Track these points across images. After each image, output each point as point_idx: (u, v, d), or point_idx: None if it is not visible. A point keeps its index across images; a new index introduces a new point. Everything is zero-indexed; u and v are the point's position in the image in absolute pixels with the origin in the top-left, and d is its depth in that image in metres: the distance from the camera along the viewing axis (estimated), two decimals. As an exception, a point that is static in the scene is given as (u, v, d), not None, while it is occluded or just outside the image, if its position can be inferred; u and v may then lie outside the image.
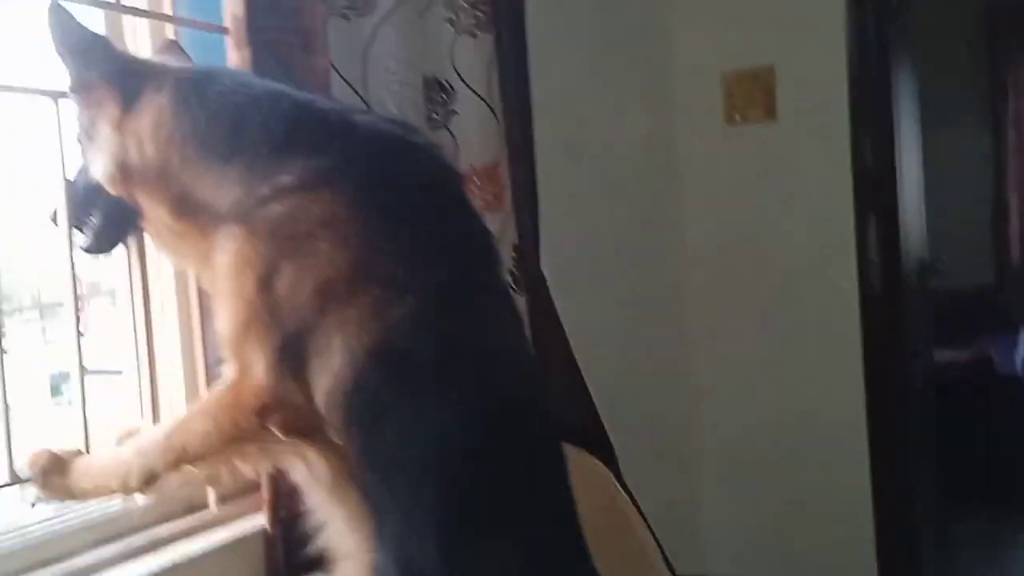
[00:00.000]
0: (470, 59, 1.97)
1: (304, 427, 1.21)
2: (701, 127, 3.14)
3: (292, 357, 1.19)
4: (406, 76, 1.84)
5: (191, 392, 1.63)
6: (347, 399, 1.18)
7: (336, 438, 1.21)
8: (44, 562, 1.41)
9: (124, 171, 1.29)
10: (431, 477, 1.19)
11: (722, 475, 3.18)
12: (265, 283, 1.19)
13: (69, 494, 1.31)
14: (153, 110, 1.27)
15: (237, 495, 1.61)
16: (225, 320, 1.22)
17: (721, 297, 3.16)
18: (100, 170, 1.30)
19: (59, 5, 1.27)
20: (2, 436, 1.33)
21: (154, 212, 1.30)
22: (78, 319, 1.42)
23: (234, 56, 1.53)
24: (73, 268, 1.40)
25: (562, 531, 1.28)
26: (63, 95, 1.36)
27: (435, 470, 1.19)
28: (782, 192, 3.08)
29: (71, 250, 1.40)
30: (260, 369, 1.19)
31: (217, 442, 1.21)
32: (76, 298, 1.42)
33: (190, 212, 1.27)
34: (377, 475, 1.21)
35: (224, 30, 1.62)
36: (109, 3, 1.51)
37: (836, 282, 2.99)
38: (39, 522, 1.46)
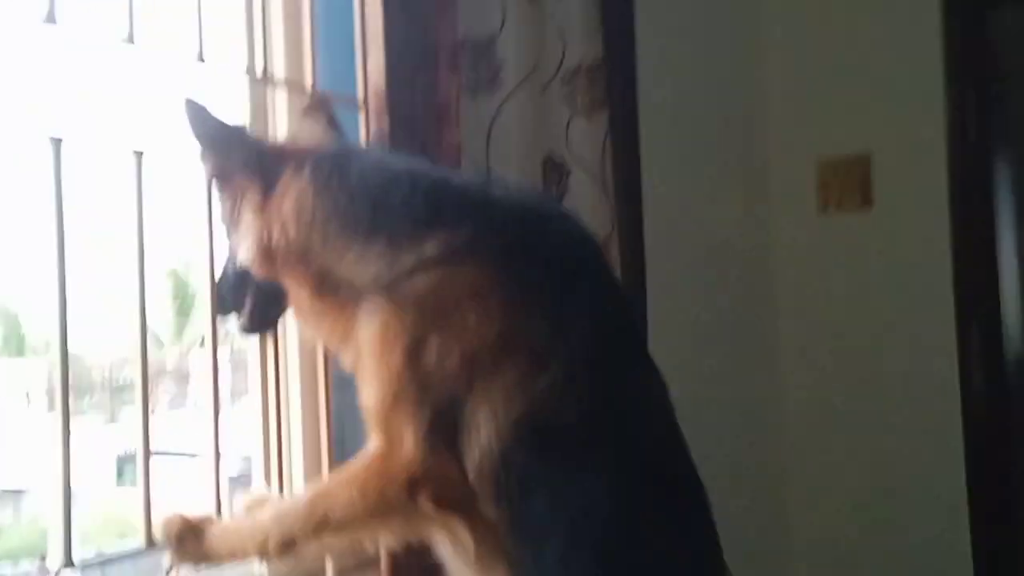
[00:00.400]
0: (584, 138, 1.99)
1: (454, 501, 1.19)
2: (794, 214, 3.12)
3: (441, 429, 1.18)
4: (527, 153, 1.86)
5: (311, 465, 1.62)
6: (495, 471, 1.16)
7: (487, 511, 1.18)
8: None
9: (268, 253, 1.31)
10: (583, 552, 1.16)
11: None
12: (413, 355, 1.19)
13: (204, 558, 1.30)
14: (294, 192, 1.30)
15: (355, 569, 1.58)
16: (372, 393, 1.22)
17: (817, 393, 3.09)
18: (245, 254, 1.32)
19: (193, 101, 1.31)
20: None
21: (296, 291, 1.31)
22: (146, 401, 1.39)
23: (372, 128, 1.56)
24: (144, 350, 1.39)
25: None
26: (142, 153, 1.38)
27: (587, 544, 1.16)
28: (878, 282, 3.02)
29: (144, 332, 1.39)
30: (410, 441, 1.18)
31: (362, 512, 1.19)
32: (145, 380, 1.40)
33: (330, 290, 1.28)
34: (527, 550, 1.18)
35: (359, 104, 1.65)
36: (257, 75, 1.54)
37: (936, 381, 2.90)
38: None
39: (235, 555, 1.28)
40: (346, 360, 1.31)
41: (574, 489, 1.17)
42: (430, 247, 1.21)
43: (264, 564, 1.32)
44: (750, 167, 3.08)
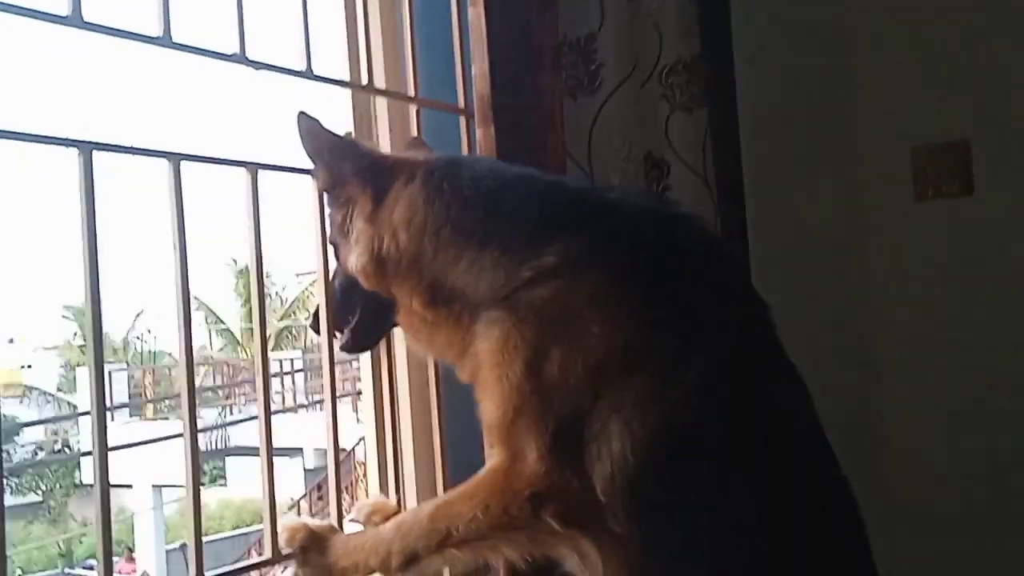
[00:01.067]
0: (685, 134, 1.96)
1: (581, 517, 1.16)
2: (891, 202, 3.03)
3: (566, 443, 1.15)
4: (629, 153, 1.84)
5: (424, 471, 1.62)
6: (631, 486, 1.13)
7: (617, 527, 1.15)
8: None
9: (379, 263, 1.30)
10: (733, 570, 1.13)
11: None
12: (534, 368, 1.17)
13: (327, 572, 1.30)
14: (405, 201, 1.29)
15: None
16: (492, 407, 1.20)
17: (919, 387, 3.01)
18: (355, 263, 1.33)
19: (306, 114, 1.32)
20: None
21: (407, 303, 1.30)
22: (267, 406, 1.38)
23: (477, 135, 1.55)
24: (265, 352, 1.37)
25: None
26: (263, 167, 1.39)
27: (739, 563, 1.13)
28: (978, 270, 2.93)
29: (264, 335, 1.40)
30: (533, 456, 1.16)
31: (485, 528, 1.18)
32: (267, 383, 1.38)
33: (444, 301, 1.26)
34: (668, 567, 1.15)
35: (461, 111, 1.65)
36: (361, 85, 1.55)
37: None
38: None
39: (358, 569, 1.27)
40: (463, 374, 1.30)
41: (720, 506, 1.14)
42: (549, 257, 1.20)
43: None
44: (847, 157, 3.01)
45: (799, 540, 1.15)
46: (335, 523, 1.38)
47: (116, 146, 1.21)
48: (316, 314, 1.44)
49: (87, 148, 1.16)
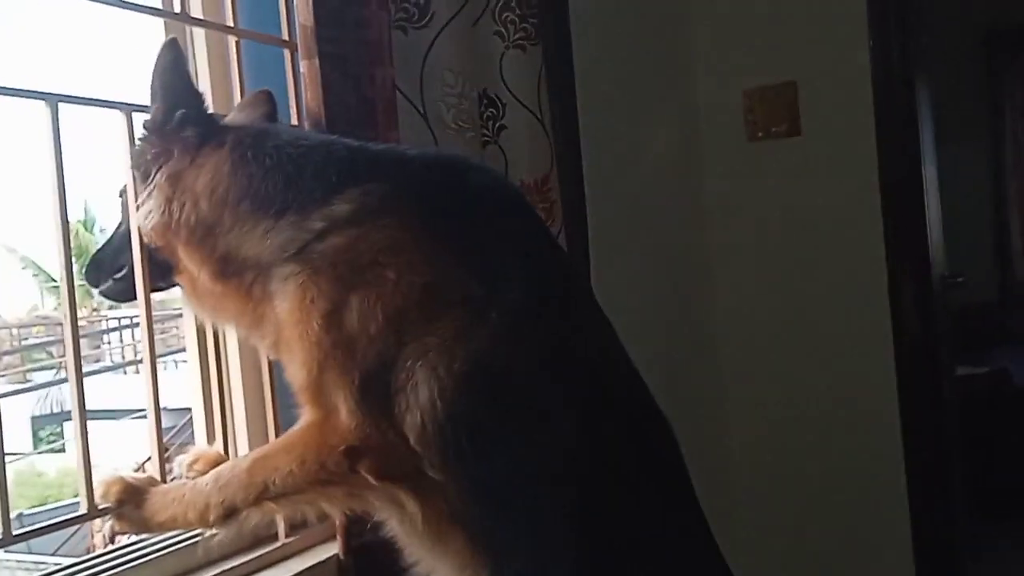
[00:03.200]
0: (520, 72, 1.94)
1: (397, 469, 1.13)
2: (725, 143, 3.12)
3: (375, 395, 1.12)
4: (463, 90, 1.81)
5: (254, 418, 1.56)
6: (443, 432, 1.11)
7: (435, 475, 1.13)
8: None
9: (171, 227, 1.23)
10: (556, 506, 1.12)
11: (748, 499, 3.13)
12: (334, 320, 1.13)
13: (145, 526, 1.25)
14: (211, 168, 1.23)
15: (306, 525, 1.54)
16: (297, 366, 1.16)
17: (751, 313, 3.13)
18: (144, 219, 1.25)
19: (175, 45, 1.23)
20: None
21: (194, 271, 1.24)
22: (78, 362, 1.28)
23: (302, 68, 1.49)
24: (74, 307, 1.27)
25: (700, 548, 1.21)
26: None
27: (560, 498, 1.12)
28: (808, 208, 3.06)
29: (72, 289, 1.29)
30: (343, 410, 1.13)
31: (302, 482, 1.14)
32: (76, 340, 1.28)
33: (234, 272, 1.21)
34: (489, 511, 1.14)
35: (285, 43, 1.58)
36: (174, 13, 1.46)
37: (867, 300, 2.96)
38: (112, 555, 1.39)
39: (176, 523, 1.22)
40: (262, 344, 1.26)
41: (535, 442, 1.13)
42: (342, 206, 1.16)
43: (207, 533, 1.25)
44: (681, 98, 3.07)
45: (618, 483, 1.16)
46: (156, 477, 1.32)
47: None
48: (93, 263, 1.36)
49: None
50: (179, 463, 1.42)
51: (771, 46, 3.07)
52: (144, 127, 1.29)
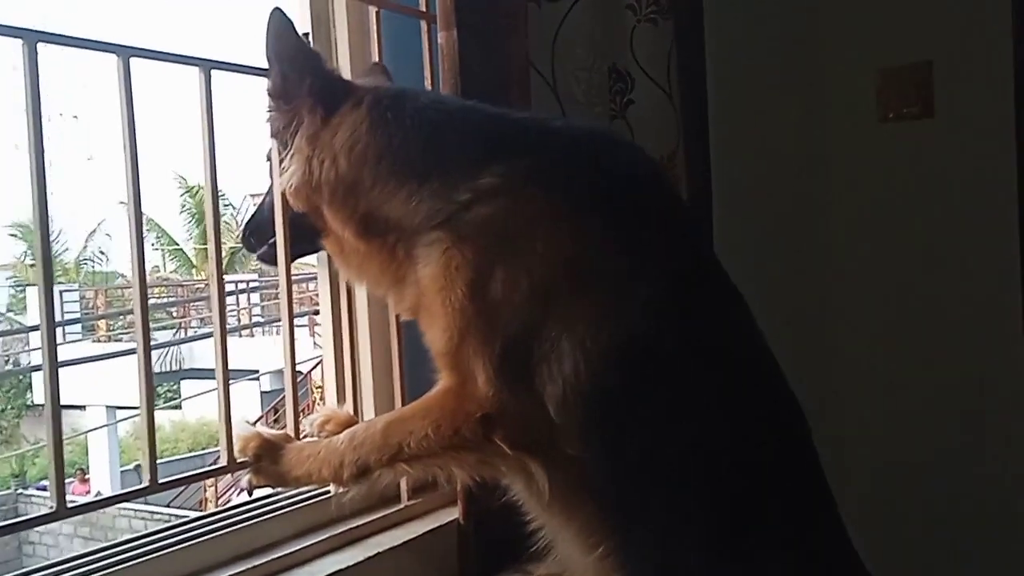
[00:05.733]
0: (650, 47, 1.92)
1: (531, 439, 1.14)
2: (854, 123, 3.03)
3: (516, 364, 1.13)
4: (593, 63, 1.80)
5: (381, 385, 1.60)
6: (585, 404, 1.11)
7: (569, 449, 1.14)
8: (247, 552, 1.39)
9: (313, 187, 1.26)
10: (695, 484, 1.12)
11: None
12: (478, 288, 1.14)
13: (280, 481, 1.29)
14: (349, 125, 1.25)
15: (430, 487, 1.58)
16: (438, 332, 1.17)
17: (874, 300, 3.05)
18: (288, 181, 1.28)
19: (281, 12, 1.26)
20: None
21: (339, 231, 1.26)
22: (223, 322, 1.38)
23: (440, 39, 1.50)
24: (220, 270, 1.37)
25: (834, 534, 1.20)
26: (217, 65, 1.34)
27: (701, 476, 1.12)
28: (939, 193, 2.95)
29: (219, 255, 1.36)
30: (482, 378, 1.14)
31: (436, 446, 1.16)
32: (222, 300, 1.38)
33: (378, 231, 1.23)
34: (623, 484, 1.14)
35: (423, 14, 1.60)
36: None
37: (998, 291, 2.84)
38: (241, 509, 1.45)
39: (311, 479, 1.26)
40: (400, 305, 1.28)
41: (684, 418, 1.13)
42: (489, 178, 1.16)
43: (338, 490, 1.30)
44: (812, 78, 2.99)
45: (760, 469, 1.15)
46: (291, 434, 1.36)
47: (60, 36, 1.15)
48: (248, 228, 1.40)
49: (32, 38, 1.10)
50: (310, 422, 1.46)
51: (906, 24, 2.96)
52: (268, 94, 1.31)
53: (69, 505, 1.17)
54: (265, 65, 1.29)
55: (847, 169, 3.02)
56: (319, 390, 13.57)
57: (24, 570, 1.23)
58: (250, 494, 1.37)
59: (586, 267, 1.15)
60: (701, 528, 1.12)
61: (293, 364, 1.40)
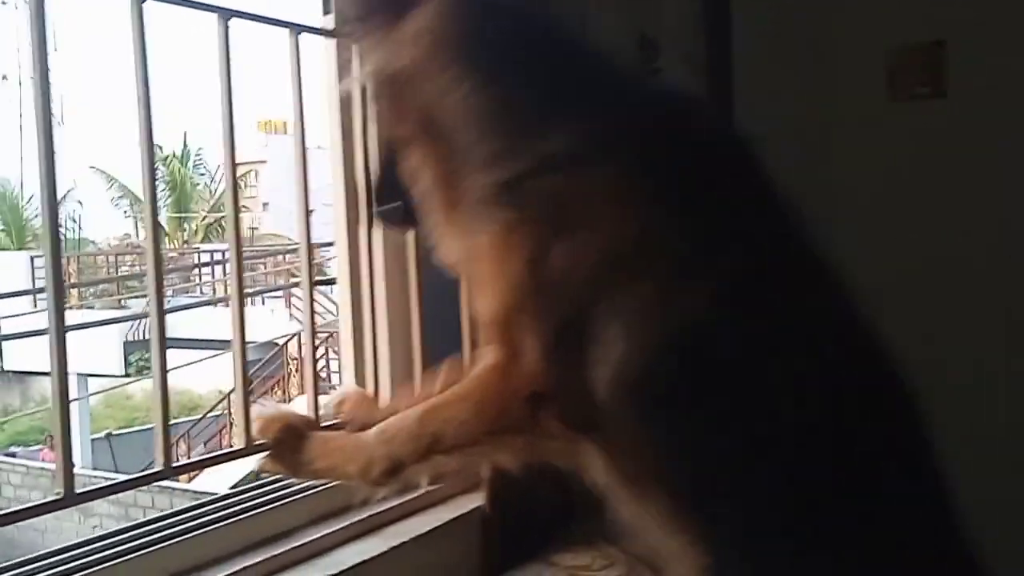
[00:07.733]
0: (675, 15, 1.85)
1: (581, 420, 1.07)
2: (865, 103, 2.96)
3: (568, 343, 1.06)
4: (623, 32, 1.73)
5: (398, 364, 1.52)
6: (633, 390, 1.04)
7: (614, 431, 1.07)
8: (259, 540, 1.32)
9: (387, 82, 1.18)
10: (769, 476, 1.05)
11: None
12: (537, 263, 1.06)
13: (298, 471, 1.21)
14: (422, 16, 1.14)
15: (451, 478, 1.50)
16: (489, 302, 1.10)
17: (881, 288, 2.98)
18: (367, 77, 1.21)
19: None
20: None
21: (422, 168, 1.17)
22: (240, 292, 1.27)
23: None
24: (238, 238, 1.26)
25: (939, 530, 1.09)
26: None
27: (777, 467, 1.04)
28: (949, 175, 2.89)
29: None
30: (533, 355, 1.06)
31: (478, 431, 1.09)
32: (239, 272, 1.27)
33: (438, 135, 1.14)
34: (690, 477, 1.07)
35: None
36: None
37: (1014, 277, 2.79)
38: (255, 493, 1.37)
39: (334, 473, 1.18)
40: (450, 253, 1.18)
41: (739, 415, 1.05)
42: (556, 142, 1.08)
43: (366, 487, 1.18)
44: (821, 57, 2.92)
45: (840, 468, 1.06)
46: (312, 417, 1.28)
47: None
48: (380, 185, 1.31)
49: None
50: (328, 403, 1.38)
51: (918, 3, 2.90)
52: (353, 21, 1.24)
53: (78, 491, 1.09)
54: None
55: (855, 149, 2.96)
56: (295, 361, 13.47)
57: (32, 555, 1.16)
58: (257, 477, 1.29)
59: (647, 252, 1.07)
60: (786, 516, 1.04)
61: (312, 339, 1.32)
